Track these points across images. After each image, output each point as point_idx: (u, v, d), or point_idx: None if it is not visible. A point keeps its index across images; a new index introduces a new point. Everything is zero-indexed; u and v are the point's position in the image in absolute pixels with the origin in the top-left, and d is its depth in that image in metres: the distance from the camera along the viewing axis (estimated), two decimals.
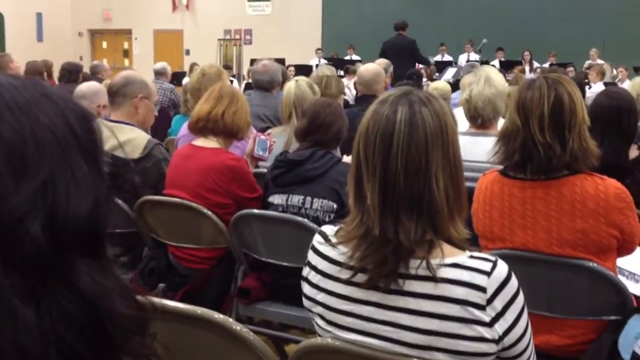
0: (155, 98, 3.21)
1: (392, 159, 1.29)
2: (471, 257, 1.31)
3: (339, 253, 1.38)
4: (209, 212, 2.71)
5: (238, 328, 1.49)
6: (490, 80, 3.17)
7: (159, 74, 7.53)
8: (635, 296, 2.06)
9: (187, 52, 19.00)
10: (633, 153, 2.91)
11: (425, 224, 1.29)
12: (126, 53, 20.13)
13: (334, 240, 1.41)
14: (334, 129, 2.58)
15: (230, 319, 1.54)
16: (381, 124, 1.31)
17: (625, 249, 2.07)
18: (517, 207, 2.06)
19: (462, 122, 3.05)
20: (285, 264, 2.57)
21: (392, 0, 16.10)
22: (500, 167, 2.14)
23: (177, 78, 11.25)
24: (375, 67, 4.77)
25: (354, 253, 1.33)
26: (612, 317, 2.01)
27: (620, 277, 2.09)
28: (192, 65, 11.90)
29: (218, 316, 1.53)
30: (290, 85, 3.42)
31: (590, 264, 1.98)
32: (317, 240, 1.46)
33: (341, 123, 2.62)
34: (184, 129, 3.70)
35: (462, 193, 1.34)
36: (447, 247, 1.31)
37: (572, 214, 1.99)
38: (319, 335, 1.46)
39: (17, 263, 0.52)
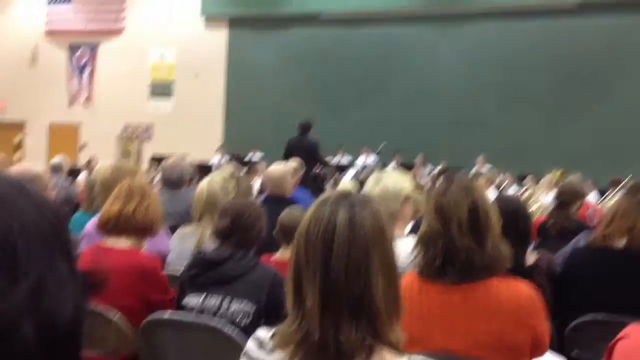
0: (51, 192, 3.07)
1: (333, 260, 1.29)
2: None
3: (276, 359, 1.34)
4: (114, 316, 2.58)
5: None
6: (379, 180, 3.25)
7: (55, 168, 7.26)
8: None
9: (83, 147, 18.58)
10: (531, 259, 3.06)
11: (365, 327, 1.28)
12: (18, 146, 19.42)
13: (269, 345, 1.37)
14: (255, 229, 2.57)
15: None
16: (322, 225, 1.32)
17: (538, 351, 2.13)
18: (435, 310, 2.09)
19: None
20: None
21: (293, 102, 16.62)
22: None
23: (71, 173, 10.92)
24: (283, 167, 4.83)
25: (292, 359, 1.30)
26: None
27: None
28: (90, 160, 11.66)
29: None
30: (203, 185, 3.39)
31: None
32: (250, 346, 1.41)
33: (262, 223, 2.62)
34: (88, 227, 3.56)
35: (399, 295, 1.35)
36: (387, 352, 1.30)
37: (488, 316, 2.04)
38: None
39: None
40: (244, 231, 2.57)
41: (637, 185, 2.92)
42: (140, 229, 2.74)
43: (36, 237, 0.56)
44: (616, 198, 3.94)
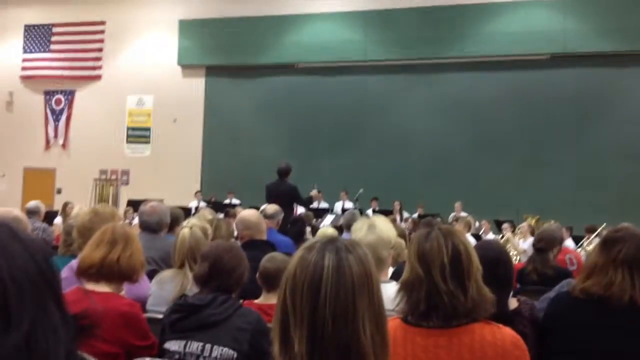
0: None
1: (320, 306, 1.29)
2: None
3: None
4: None
5: None
6: (373, 227, 3.28)
7: (31, 212, 7.19)
8: None
9: (59, 191, 18.42)
10: (513, 304, 3.07)
11: None
12: None
13: None
14: (236, 273, 2.55)
15: None
16: (309, 270, 1.32)
17: None
18: (420, 355, 2.08)
19: None
20: None
21: (270, 147, 16.70)
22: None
23: (47, 217, 10.79)
24: (256, 211, 4.84)
25: None
26: None
27: None
28: (65, 204, 11.55)
29: None
30: (184, 233, 3.34)
31: None
32: None
33: (243, 267, 2.60)
34: (65, 271, 3.51)
35: (387, 340, 1.35)
36: None
37: None
38: None
39: None
40: (223, 276, 2.55)
41: (610, 238, 2.93)
42: (123, 275, 2.71)
43: (28, 282, 0.56)
44: (592, 246, 3.93)
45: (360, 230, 3.25)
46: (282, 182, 8.95)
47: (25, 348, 0.52)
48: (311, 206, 13.82)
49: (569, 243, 9.95)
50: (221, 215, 10.06)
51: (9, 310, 0.53)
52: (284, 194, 8.39)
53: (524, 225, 10.50)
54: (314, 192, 10.30)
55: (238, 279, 2.58)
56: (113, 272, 2.68)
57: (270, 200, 8.02)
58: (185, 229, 3.35)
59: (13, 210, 2.96)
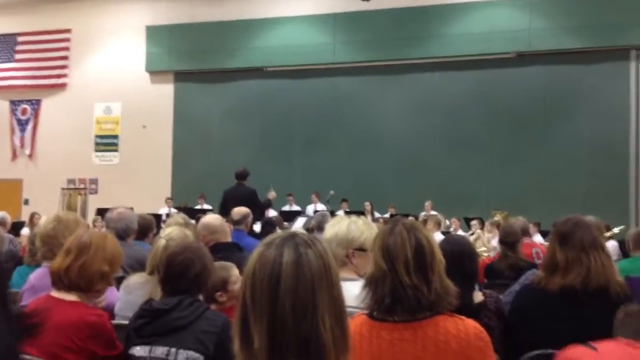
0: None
1: (279, 301, 1.29)
2: None
3: None
4: None
5: None
6: (337, 224, 3.23)
7: None
8: None
9: (26, 202, 18.15)
10: (478, 298, 3.10)
11: None
12: None
13: None
14: (190, 273, 2.51)
15: None
16: (268, 265, 1.33)
17: None
18: (386, 349, 2.09)
19: None
20: None
21: (241, 151, 16.64)
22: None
23: (14, 228, 10.66)
24: (218, 215, 4.85)
25: None
26: None
27: None
28: (33, 215, 11.42)
29: None
30: (159, 244, 3.27)
31: None
32: None
33: (199, 267, 2.56)
34: (31, 280, 3.46)
35: (347, 332, 1.36)
36: None
37: (437, 354, 2.05)
38: None
39: None
40: (177, 277, 2.53)
41: (565, 231, 2.96)
42: (76, 286, 2.66)
43: None
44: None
45: (344, 220, 3.24)
46: (241, 186, 8.85)
47: None
48: (283, 209, 13.80)
49: (537, 238, 10.08)
50: (193, 222, 9.97)
51: None
52: (243, 198, 8.28)
53: (491, 222, 10.59)
54: (271, 194, 10.18)
55: (194, 279, 2.52)
56: (64, 282, 2.65)
57: (227, 205, 7.88)
58: (162, 240, 3.25)
59: None
